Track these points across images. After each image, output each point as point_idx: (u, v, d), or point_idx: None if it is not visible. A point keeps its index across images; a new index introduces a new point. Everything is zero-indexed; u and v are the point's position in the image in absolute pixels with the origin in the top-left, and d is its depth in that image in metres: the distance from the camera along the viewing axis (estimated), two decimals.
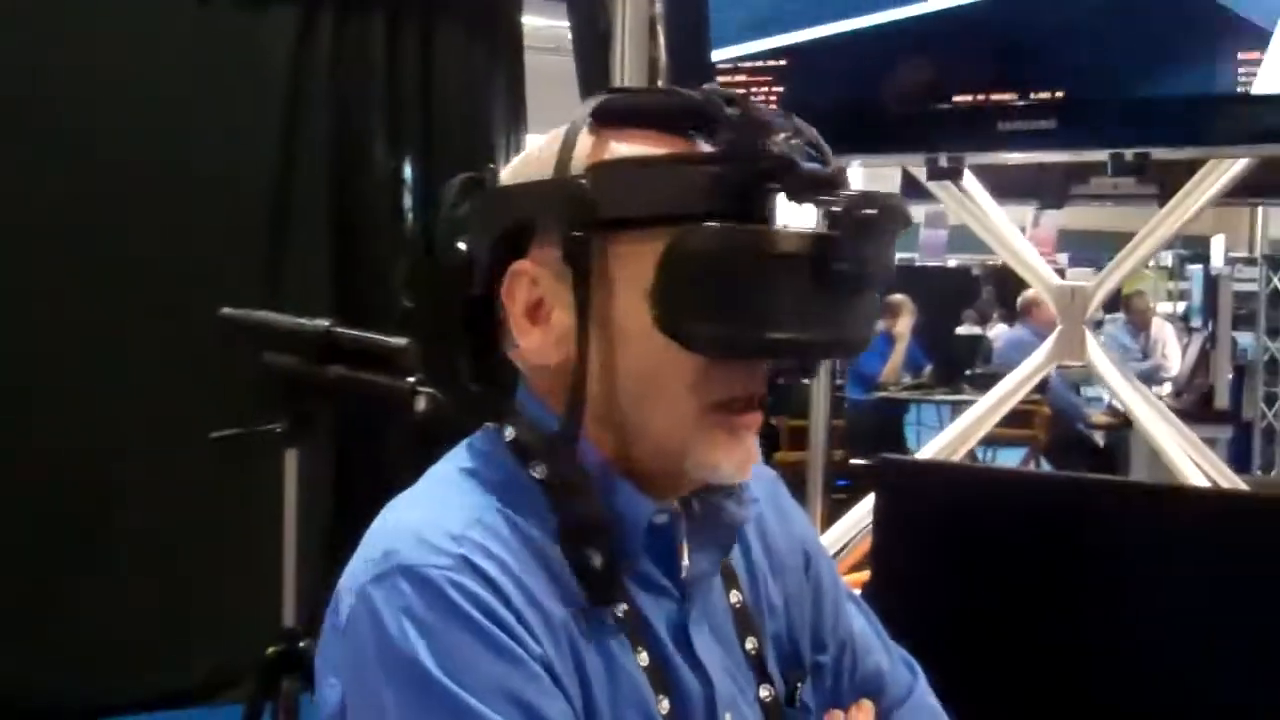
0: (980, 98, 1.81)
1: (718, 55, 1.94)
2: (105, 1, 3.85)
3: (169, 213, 3.86)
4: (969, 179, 2.45)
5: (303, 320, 2.50)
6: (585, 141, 1.01)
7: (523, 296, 1.01)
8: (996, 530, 1.74)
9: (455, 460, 1.05)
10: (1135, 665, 1.59)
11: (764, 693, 1.09)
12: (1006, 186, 2.87)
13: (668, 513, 1.03)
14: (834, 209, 0.94)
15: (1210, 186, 2.26)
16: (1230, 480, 2.42)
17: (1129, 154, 1.81)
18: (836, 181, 0.96)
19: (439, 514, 0.98)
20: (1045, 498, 1.77)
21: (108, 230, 3.78)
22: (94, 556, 3.71)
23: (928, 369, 8.40)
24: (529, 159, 1.04)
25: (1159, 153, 1.83)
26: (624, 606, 1.00)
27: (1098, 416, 7.87)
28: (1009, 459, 8.17)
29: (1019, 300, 8.29)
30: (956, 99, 1.83)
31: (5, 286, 3.72)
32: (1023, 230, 9.36)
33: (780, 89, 1.90)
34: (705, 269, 0.93)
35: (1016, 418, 7.76)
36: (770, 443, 6.70)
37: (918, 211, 7.07)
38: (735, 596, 1.10)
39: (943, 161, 1.89)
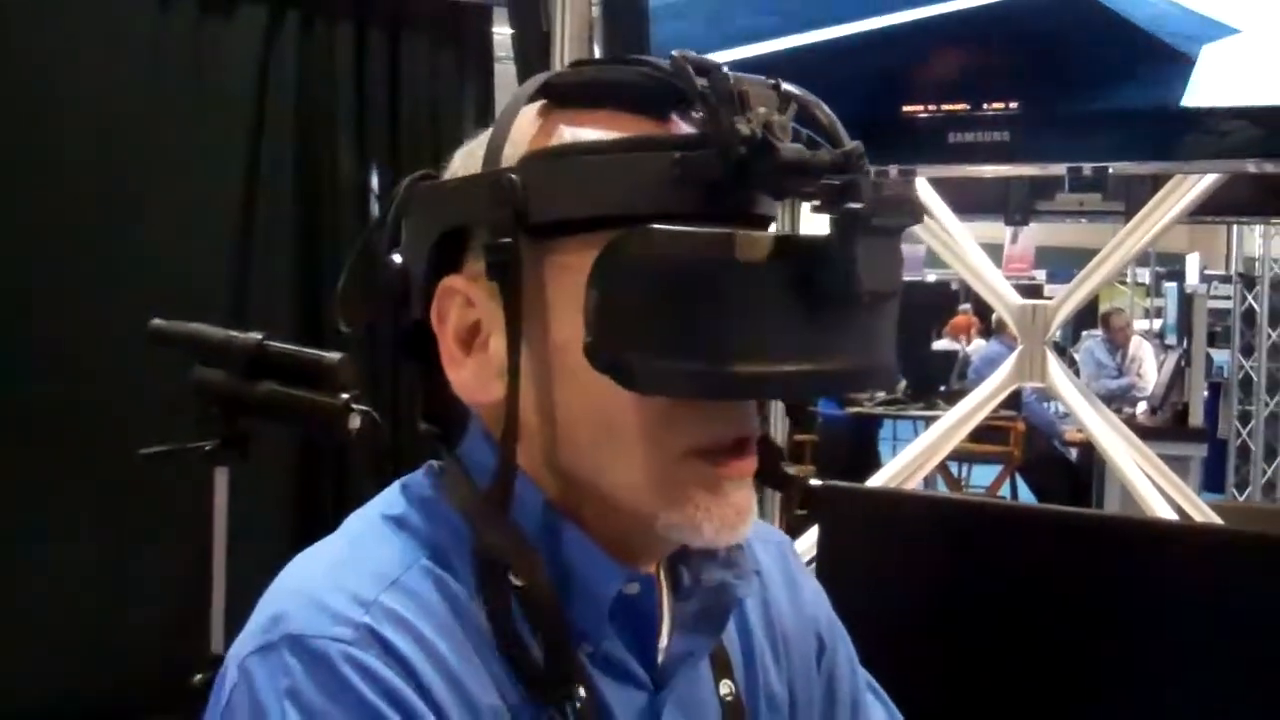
0: (931, 109, 1.72)
1: None
2: (62, 7, 3.73)
3: (129, 224, 3.75)
4: (929, 194, 2.37)
5: (234, 333, 2.41)
6: (529, 127, 0.82)
7: (455, 319, 0.82)
8: (944, 562, 1.65)
9: (381, 504, 0.86)
10: (1088, 702, 1.50)
11: None
12: (971, 202, 2.79)
13: (641, 581, 0.83)
14: (817, 202, 0.73)
15: (1175, 203, 2.17)
16: (1195, 504, 2.34)
17: (1087, 168, 1.72)
18: (831, 166, 0.74)
19: (347, 572, 0.79)
20: (996, 527, 1.69)
21: (69, 243, 3.67)
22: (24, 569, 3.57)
23: (902, 384, 8.32)
24: (472, 149, 0.85)
25: (1118, 167, 1.74)
26: (581, 694, 0.80)
27: (1073, 433, 7.81)
28: (984, 476, 8.11)
29: (994, 315, 8.23)
30: (906, 109, 1.74)
31: None
32: (1001, 247, 9.35)
33: None
34: (647, 284, 0.73)
35: (992, 434, 7.71)
36: None
37: None
38: (726, 687, 0.91)
39: (893, 175, 1.79)
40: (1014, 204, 2.71)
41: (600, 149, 0.79)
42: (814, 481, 2.24)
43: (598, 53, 1.93)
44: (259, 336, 2.41)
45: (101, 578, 3.63)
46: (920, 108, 1.72)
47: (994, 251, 11.97)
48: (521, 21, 2.05)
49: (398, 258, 0.85)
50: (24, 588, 3.53)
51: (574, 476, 0.81)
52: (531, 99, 0.84)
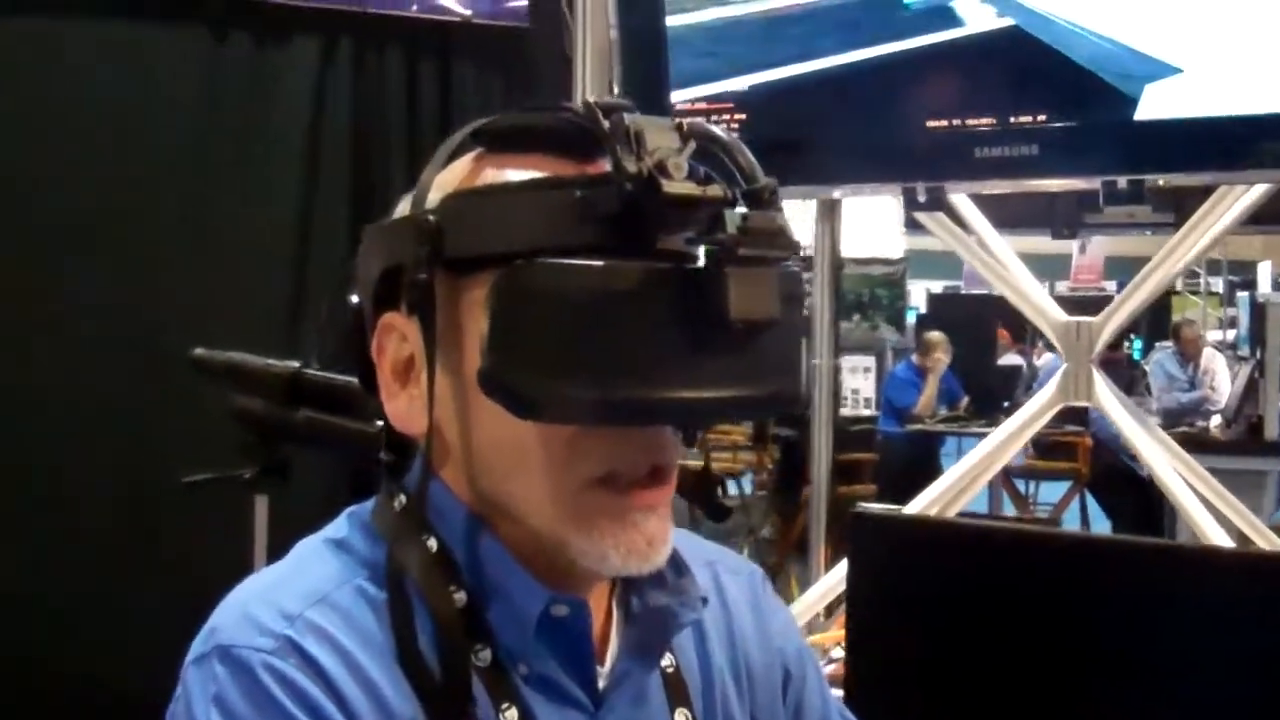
0: (955, 123, 1.68)
1: (676, 96, 1.83)
2: (119, 37, 3.79)
3: (184, 253, 3.78)
4: (969, 208, 2.32)
5: (271, 361, 2.42)
6: (461, 170, 0.88)
7: (391, 353, 0.88)
8: (982, 593, 1.60)
9: (329, 529, 0.92)
10: None
11: None
12: (1017, 216, 2.74)
13: (569, 604, 0.86)
14: (692, 236, 0.79)
15: (1223, 214, 2.11)
16: (1258, 529, 2.26)
17: (1122, 181, 1.67)
18: (717, 201, 0.78)
19: (280, 589, 0.85)
20: (1036, 556, 1.63)
21: (125, 272, 3.71)
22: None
23: (964, 400, 8.22)
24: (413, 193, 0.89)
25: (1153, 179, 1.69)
26: (514, 715, 0.84)
27: None
28: (1052, 492, 7.99)
29: None
30: (930, 125, 1.70)
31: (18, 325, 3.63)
32: (1069, 257, 9.22)
33: (742, 117, 1.78)
34: (533, 314, 0.78)
35: (1059, 450, 7.60)
36: (796, 477, 6.57)
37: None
38: (682, 716, 0.93)
39: (921, 193, 1.75)
40: (1061, 217, 2.65)
41: (510, 189, 0.84)
42: (863, 506, 2.19)
43: (616, 79, 1.92)
44: (296, 365, 2.41)
45: (134, 604, 3.63)
46: (945, 123, 1.68)
47: (1063, 262, 11.79)
48: (542, 49, 2.05)
49: (355, 297, 0.91)
50: (59, 616, 3.55)
51: (495, 502, 0.86)
52: (464, 145, 0.89)
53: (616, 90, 1.92)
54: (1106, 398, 2.19)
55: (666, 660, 0.94)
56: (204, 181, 3.83)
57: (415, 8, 4.21)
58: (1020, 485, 8.01)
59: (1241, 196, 2.14)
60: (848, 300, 10.55)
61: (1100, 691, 1.47)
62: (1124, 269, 13.30)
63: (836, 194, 2.14)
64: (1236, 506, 2.28)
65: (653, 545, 0.84)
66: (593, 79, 1.94)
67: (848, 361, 9.37)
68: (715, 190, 0.79)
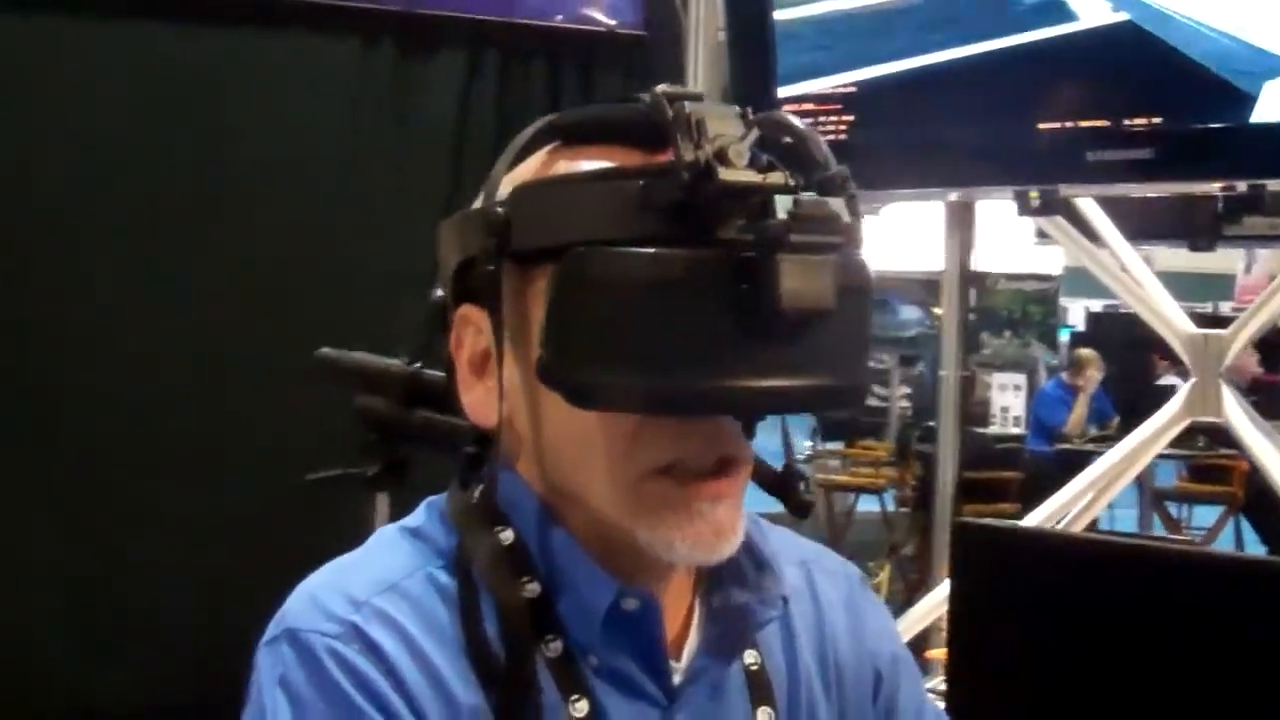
0: (1069, 125, 1.64)
1: (784, 91, 1.82)
2: (264, 51, 3.89)
3: (328, 267, 3.85)
4: (1096, 214, 2.26)
5: (391, 361, 2.46)
6: (535, 163, 0.88)
7: (468, 346, 0.87)
8: (1087, 606, 1.56)
9: (408, 519, 0.92)
10: None
11: None
12: (1152, 226, 2.65)
13: (640, 597, 0.85)
14: (745, 224, 0.76)
15: None
16: None
17: (1242, 185, 1.61)
18: (776, 189, 0.77)
19: (352, 577, 0.86)
20: (1146, 570, 1.58)
21: (269, 287, 3.79)
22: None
23: (1115, 420, 7.99)
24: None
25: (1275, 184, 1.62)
26: (584, 707, 0.84)
27: None
28: (1207, 516, 7.72)
29: None
30: (1042, 127, 1.66)
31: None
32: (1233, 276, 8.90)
33: (850, 118, 1.76)
34: (590, 304, 0.77)
35: (1213, 473, 7.34)
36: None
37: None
38: (765, 714, 0.91)
39: (1034, 197, 1.71)
40: (1198, 228, 2.56)
41: (574, 180, 0.84)
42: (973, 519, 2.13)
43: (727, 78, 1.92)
44: (416, 365, 2.46)
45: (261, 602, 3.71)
46: (1058, 125, 1.64)
47: (1229, 281, 11.34)
48: (658, 51, 2.07)
49: (439, 291, 0.91)
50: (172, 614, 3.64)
51: (566, 493, 0.86)
52: (538, 138, 0.89)
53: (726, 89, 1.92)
54: (1235, 414, 2.11)
55: (751, 658, 0.92)
56: (349, 195, 3.91)
57: (560, 18, 4.26)
58: (1174, 510, 7.76)
59: None
60: (999, 317, 10.39)
61: (1197, 709, 1.43)
62: None
63: (953, 197, 2.09)
64: None
65: (720, 535, 0.82)
66: (704, 80, 1.94)
67: (998, 379, 9.21)
68: (776, 177, 0.77)
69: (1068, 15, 1.62)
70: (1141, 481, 6.94)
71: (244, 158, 3.77)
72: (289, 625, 0.84)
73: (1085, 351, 7.72)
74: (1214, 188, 1.64)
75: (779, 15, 1.81)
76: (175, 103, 3.82)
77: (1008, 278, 10.11)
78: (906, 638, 2.23)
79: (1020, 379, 9.01)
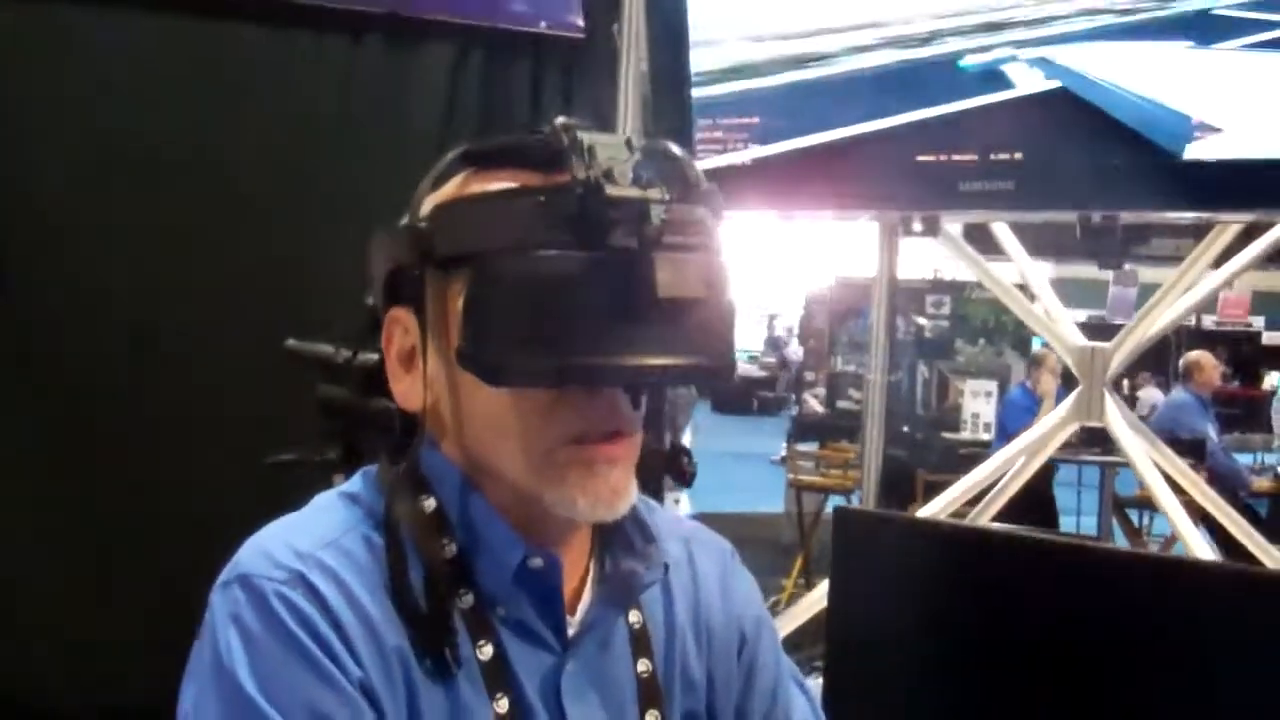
0: (942, 158, 1.84)
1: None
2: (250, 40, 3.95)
3: (315, 255, 3.85)
4: (1004, 234, 2.43)
5: (351, 353, 2.61)
6: (451, 185, 1.03)
7: (397, 343, 1.02)
8: (957, 589, 1.66)
9: (346, 485, 1.06)
10: None
11: None
12: (1067, 246, 2.83)
13: (545, 557, 1.00)
14: (628, 229, 0.92)
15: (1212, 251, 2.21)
16: (1264, 549, 2.35)
17: (1096, 216, 1.81)
18: (652, 202, 0.93)
19: (297, 533, 0.99)
20: (1008, 556, 1.71)
21: (259, 275, 3.77)
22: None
23: (1075, 428, 8.11)
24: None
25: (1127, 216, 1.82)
26: (490, 650, 0.98)
27: (1260, 483, 7.53)
28: (1166, 524, 7.85)
29: (1181, 362, 8.01)
30: (920, 159, 1.86)
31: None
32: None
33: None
34: (500, 298, 0.93)
35: (1175, 483, 7.46)
36: (907, 495, 6.65)
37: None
38: (644, 665, 1.06)
39: (916, 221, 1.91)
40: (1106, 248, 2.74)
41: (486, 198, 0.99)
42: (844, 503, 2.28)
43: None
44: (376, 357, 2.61)
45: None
46: (932, 158, 1.84)
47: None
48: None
49: (371, 298, 1.06)
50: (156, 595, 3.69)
51: (482, 466, 1.00)
52: (454, 164, 1.03)
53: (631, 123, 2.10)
54: (1115, 419, 2.30)
55: (635, 617, 1.07)
56: (336, 181, 3.92)
57: (544, 25, 4.37)
58: (1135, 517, 7.92)
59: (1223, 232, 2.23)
60: (973, 325, 10.54)
61: (1062, 687, 1.52)
62: (1272, 304, 13.02)
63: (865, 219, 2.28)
64: (1246, 529, 2.36)
65: (616, 494, 0.97)
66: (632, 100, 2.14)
67: (970, 385, 9.35)
68: (653, 192, 0.93)
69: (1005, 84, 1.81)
70: (1102, 489, 7.13)
71: (228, 158, 3.79)
72: (242, 571, 0.95)
73: (1039, 350, 7.76)
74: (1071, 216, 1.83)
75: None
76: (161, 101, 3.90)
77: (983, 287, 10.21)
78: (802, 620, 2.40)
79: (992, 385, 9.16)
